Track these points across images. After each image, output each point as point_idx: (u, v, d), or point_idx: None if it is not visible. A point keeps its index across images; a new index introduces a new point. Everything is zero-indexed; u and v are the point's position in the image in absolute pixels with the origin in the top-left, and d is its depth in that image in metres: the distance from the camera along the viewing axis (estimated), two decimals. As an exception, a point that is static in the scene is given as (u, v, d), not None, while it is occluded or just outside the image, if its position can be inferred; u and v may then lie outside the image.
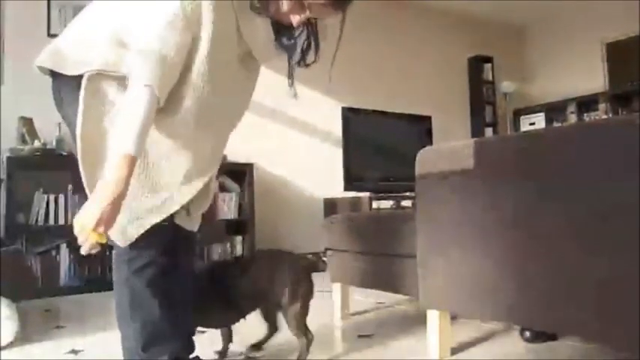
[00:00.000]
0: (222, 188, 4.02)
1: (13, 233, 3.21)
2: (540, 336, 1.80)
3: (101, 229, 1.10)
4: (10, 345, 1.99)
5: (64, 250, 3.37)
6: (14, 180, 3.21)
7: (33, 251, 3.30)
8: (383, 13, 5.37)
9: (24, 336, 2.04)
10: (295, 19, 1.28)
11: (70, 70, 1.27)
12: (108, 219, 1.10)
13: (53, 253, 3.37)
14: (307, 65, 1.43)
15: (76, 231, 1.11)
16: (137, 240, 1.28)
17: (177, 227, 1.37)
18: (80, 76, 1.25)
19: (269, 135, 4.51)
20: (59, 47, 1.31)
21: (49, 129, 3.40)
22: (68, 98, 1.30)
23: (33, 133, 3.37)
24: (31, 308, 2.71)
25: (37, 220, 3.32)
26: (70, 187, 3.38)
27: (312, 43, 1.41)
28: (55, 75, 1.32)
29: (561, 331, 1.53)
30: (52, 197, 3.35)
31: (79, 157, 1.25)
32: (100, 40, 1.26)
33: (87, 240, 1.10)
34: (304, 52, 1.42)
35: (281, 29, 1.38)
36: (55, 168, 3.43)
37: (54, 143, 3.40)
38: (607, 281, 1.22)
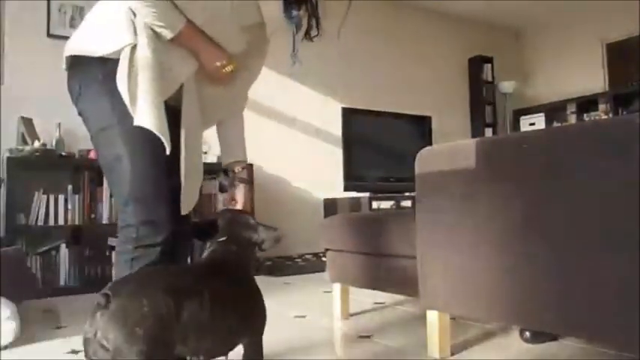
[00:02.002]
0: (222, 189, 4.01)
1: (13, 233, 3.21)
2: (540, 336, 1.80)
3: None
4: (10, 345, 1.99)
5: (64, 250, 3.37)
6: (14, 180, 3.21)
7: (33, 251, 3.30)
8: (383, 14, 5.38)
9: (24, 336, 2.04)
10: None
11: (103, 50, 1.26)
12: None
13: (53, 253, 3.37)
14: (312, 39, 1.49)
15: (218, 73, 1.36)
16: (150, 218, 1.29)
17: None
18: (106, 64, 1.24)
19: (269, 135, 4.51)
20: (83, 34, 1.32)
21: (49, 129, 3.41)
22: (94, 90, 1.29)
23: (33, 133, 3.36)
24: (31, 308, 2.70)
25: (37, 220, 3.32)
26: (70, 187, 3.36)
27: (314, 19, 1.48)
28: (76, 67, 1.32)
29: (561, 331, 1.52)
30: (52, 197, 3.35)
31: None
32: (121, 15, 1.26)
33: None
34: (308, 27, 1.48)
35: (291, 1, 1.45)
36: (55, 168, 3.44)
37: (54, 143, 3.39)
38: (607, 281, 1.22)
